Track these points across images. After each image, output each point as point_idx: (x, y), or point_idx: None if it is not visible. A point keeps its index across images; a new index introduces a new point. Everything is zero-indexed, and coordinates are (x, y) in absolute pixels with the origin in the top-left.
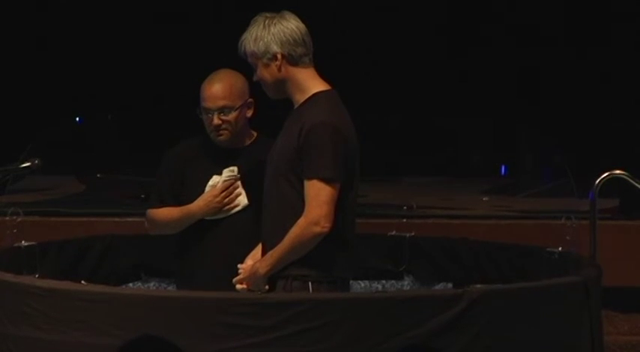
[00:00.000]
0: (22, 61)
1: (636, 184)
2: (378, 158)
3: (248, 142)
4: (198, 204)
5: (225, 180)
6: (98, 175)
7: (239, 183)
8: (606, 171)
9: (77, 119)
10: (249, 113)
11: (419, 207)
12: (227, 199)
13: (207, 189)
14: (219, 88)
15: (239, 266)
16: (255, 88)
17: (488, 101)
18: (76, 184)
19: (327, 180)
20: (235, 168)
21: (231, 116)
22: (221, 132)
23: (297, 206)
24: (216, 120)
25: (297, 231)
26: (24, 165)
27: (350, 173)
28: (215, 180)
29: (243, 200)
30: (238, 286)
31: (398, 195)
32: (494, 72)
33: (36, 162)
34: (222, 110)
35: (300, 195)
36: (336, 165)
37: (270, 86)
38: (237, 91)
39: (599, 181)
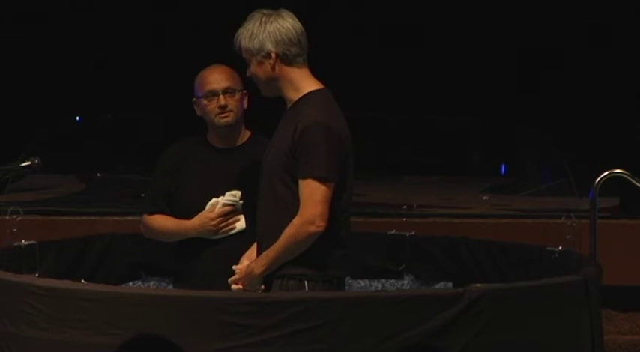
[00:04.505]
0: (21, 61)
1: (636, 183)
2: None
3: (243, 141)
4: (194, 222)
5: (225, 204)
6: (98, 175)
7: (239, 207)
8: (606, 170)
9: (77, 119)
10: (246, 104)
11: (419, 206)
12: (223, 224)
13: (207, 207)
14: (222, 71)
15: (234, 266)
16: (252, 88)
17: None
18: (76, 183)
19: (321, 180)
20: (238, 193)
21: (236, 97)
22: (226, 113)
23: (291, 205)
24: (222, 100)
25: (291, 230)
26: (24, 164)
27: (344, 172)
28: (215, 200)
29: (240, 225)
30: (234, 286)
31: (398, 195)
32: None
33: (36, 161)
34: (227, 91)
35: (295, 194)
36: (331, 165)
37: (262, 83)
38: (237, 76)
39: (599, 180)
